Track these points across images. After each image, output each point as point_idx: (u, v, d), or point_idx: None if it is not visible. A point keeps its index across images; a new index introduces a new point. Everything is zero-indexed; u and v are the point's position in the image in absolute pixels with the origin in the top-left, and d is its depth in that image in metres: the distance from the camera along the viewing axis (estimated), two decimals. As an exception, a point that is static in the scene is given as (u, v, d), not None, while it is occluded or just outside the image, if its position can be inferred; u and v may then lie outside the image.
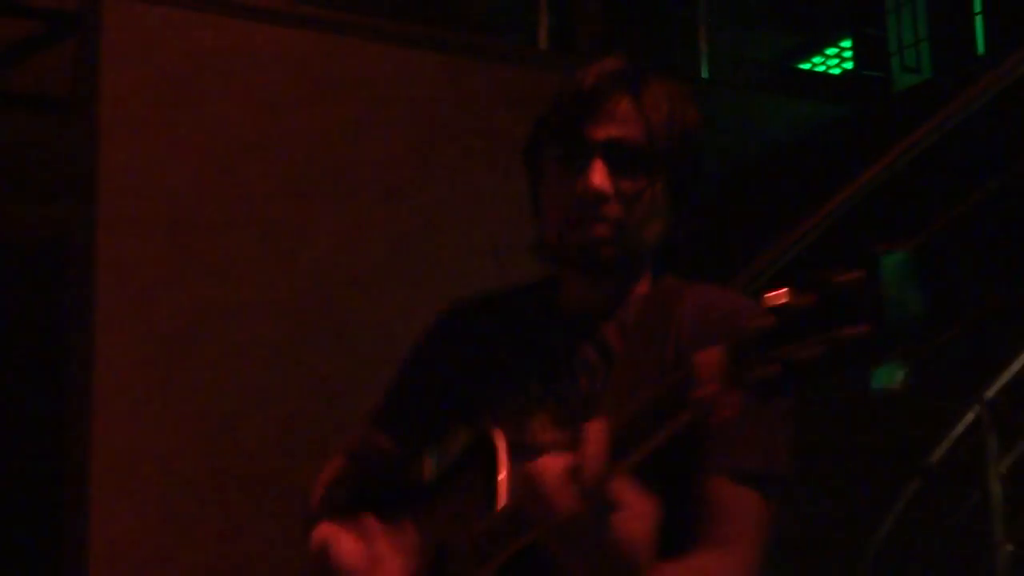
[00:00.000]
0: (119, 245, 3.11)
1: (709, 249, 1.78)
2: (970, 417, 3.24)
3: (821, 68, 6.06)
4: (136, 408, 3.06)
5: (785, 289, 1.18)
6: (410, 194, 3.38)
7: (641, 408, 1.32)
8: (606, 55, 1.67)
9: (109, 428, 3.02)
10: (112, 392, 3.04)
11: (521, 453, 1.54)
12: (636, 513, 1.34)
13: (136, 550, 2.96)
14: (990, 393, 3.22)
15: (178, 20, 3.14)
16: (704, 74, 5.53)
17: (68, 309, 3.20)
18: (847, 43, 5.97)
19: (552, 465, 1.35)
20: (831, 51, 6.03)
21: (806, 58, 6.09)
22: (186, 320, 3.10)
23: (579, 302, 1.66)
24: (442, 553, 1.65)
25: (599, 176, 1.53)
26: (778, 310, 1.18)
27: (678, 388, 1.27)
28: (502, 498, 1.51)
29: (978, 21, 5.29)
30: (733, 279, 2.74)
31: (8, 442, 3.49)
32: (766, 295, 1.19)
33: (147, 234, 3.14)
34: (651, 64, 1.63)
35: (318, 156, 3.32)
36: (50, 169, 3.55)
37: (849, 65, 5.90)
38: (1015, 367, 3.19)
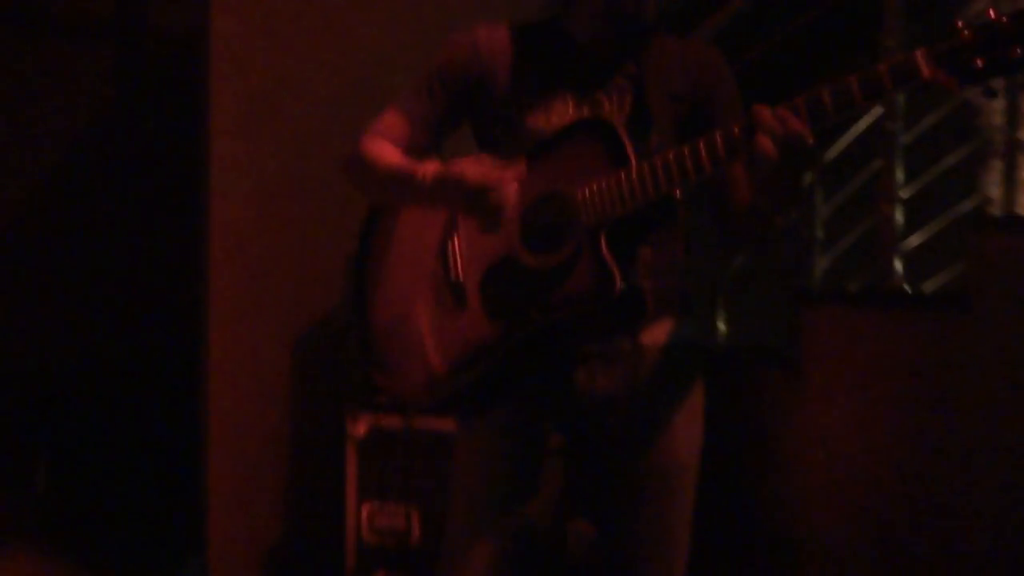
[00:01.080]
0: (232, 45, 3.70)
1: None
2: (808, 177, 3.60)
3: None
4: (246, 194, 3.70)
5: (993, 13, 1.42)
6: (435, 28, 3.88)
7: (835, 89, 1.56)
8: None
9: (223, 209, 3.69)
10: (227, 188, 3.68)
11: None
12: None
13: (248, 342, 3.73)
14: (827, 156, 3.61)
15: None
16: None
17: (193, 103, 3.86)
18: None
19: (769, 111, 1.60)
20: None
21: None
22: (279, 84, 3.74)
23: (591, 40, 1.91)
24: (552, 201, 1.79)
25: None
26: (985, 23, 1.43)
27: (901, 71, 1.50)
28: (630, 160, 1.73)
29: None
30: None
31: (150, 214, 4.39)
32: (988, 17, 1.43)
33: (254, 32, 3.72)
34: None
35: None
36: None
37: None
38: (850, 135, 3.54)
